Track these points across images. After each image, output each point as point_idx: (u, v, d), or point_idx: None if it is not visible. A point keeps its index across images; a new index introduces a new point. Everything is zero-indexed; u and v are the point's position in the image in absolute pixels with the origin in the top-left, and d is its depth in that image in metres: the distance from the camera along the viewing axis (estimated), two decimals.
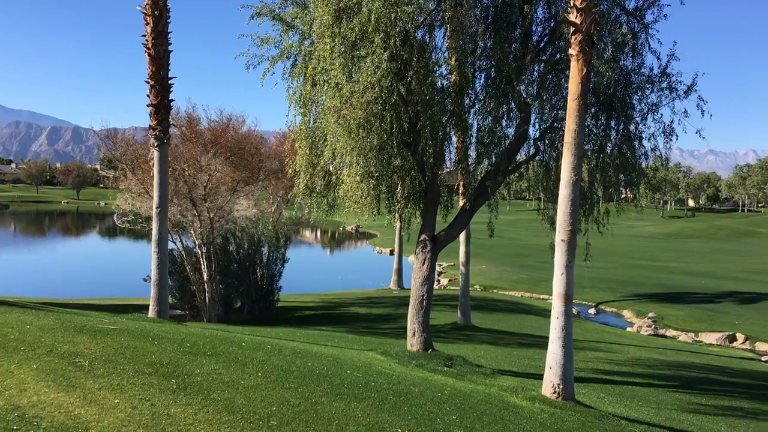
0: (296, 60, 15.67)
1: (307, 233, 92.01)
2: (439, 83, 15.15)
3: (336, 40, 13.02)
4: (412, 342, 15.50)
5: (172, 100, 19.81)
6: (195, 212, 25.75)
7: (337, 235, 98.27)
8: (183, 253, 27.12)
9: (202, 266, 26.43)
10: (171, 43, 19.47)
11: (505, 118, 15.31)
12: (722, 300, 38.02)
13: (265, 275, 30.01)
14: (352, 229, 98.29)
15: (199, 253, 26.66)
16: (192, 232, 26.50)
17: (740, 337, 29.44)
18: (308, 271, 53.07)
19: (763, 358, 26.09)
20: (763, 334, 29.28)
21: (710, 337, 29.68)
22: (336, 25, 13.07)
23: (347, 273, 53.62)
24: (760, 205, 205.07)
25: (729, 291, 41.40)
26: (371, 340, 19.11)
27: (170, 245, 24.60)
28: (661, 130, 14.86)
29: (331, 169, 15.38)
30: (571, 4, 10.87)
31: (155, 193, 19.40)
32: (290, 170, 16.10)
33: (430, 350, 15.27)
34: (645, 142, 15.24)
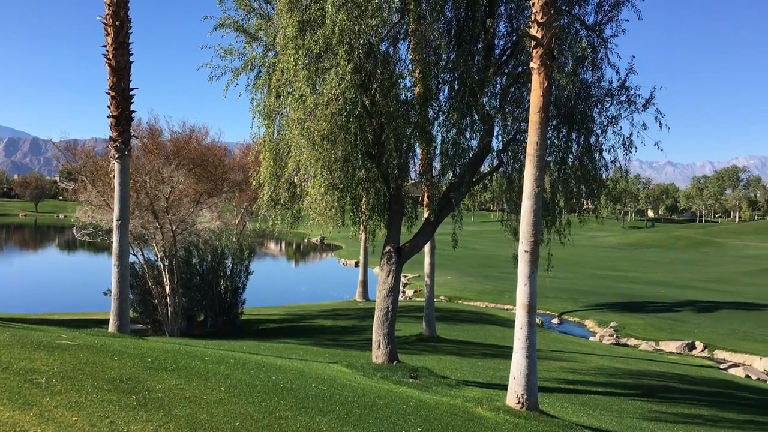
0: (260, 71, 15.64)
1: (272, 245, 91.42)
2: (403, 95, 15.24)
3: (300, 51, 13.02)
4: (378, 354, 15.46)
5: (134, 111, 19.54)
6: (157, 224, 25.37)
7: (302, 247, 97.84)
8: (145, 266, 26.69)
9: (165, 279, 26.03)
10: (132, 54, 19.22)
11: (468, 130, 15.43)
12: (681, 309, 38.79)
13: (228, 288, 29.67)
14: (317, 240, 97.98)
15: (162, 266, 26.26)
16: (154, 244, 26.10)
17: (699, 345, 30.05)
18: (273, 283, 52.69)
19: (721, 366, 26.64)
20: (721, 342, 29.94)
21: (670, 346, 30.24)
22: (300, 37, 13.07)
23: (312, 285, 53.39)
24: (716, 215, 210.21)
25: (688, 300, 42.27)
26: (336, 353, 19.01)
27: (131, 258, 24.20)
28: (620, 142, 15.14)
29: (295, 180, 15.31)
30: (533, 19, 11.02)
31: (116, 206, 19.08)
32: (254, 182, 16.01)
33: (395, 362, 15.24)
34: (605, 154, 15.54)
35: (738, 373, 25.26)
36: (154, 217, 25.36)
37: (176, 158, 27.51)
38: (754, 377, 24.79)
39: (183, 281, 27.12)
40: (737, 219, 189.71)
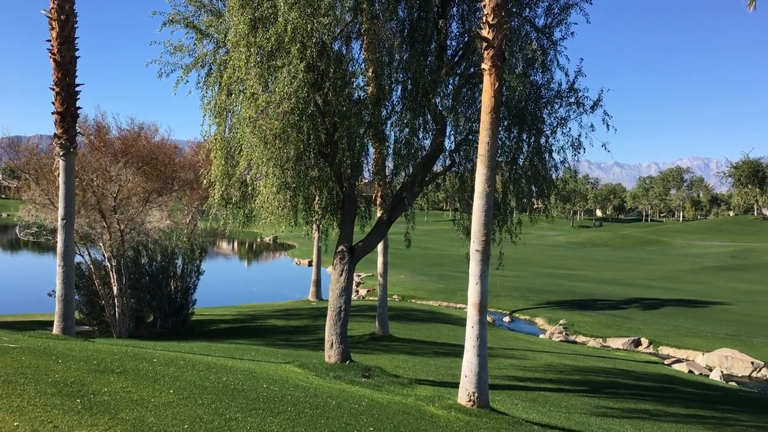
0: (211, 69, 15.43)
1: (224, 245, 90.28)
2: (357, 95, 15.22)
3: (252, 49, 12.89)
4: (330, 354, 15.42)
5: (80, 108, 19.04)
6: (104, 224, 24.81)
7: (254, 247, 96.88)
8: (91, 266, 26.06)
9: (112, 280, 25.46)
10: (78, 49, 18.73)
11: (421, 129, 15.50)
12: (628, 306, 39.77)
13: (179, 288, 29.20)
14: (269, 240, 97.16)
15: (109, 266, 25.69)
16: (101, 244, 25.52)
17: (645, 341, 30.86)
18: (225, 283, 52.05)
19: (665, 362, 27.42)
20: (666, 339, 30.80)
21: (617, 342, 30.96)
22: (252, 34, 12.93)
23: (265, 285, 52.91)
24: (661, 215, 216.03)
25: (634, 297, 43.34)
26: (289, 353, 18.89)
27: (77, 258, 23.62)
28: (569, 143, 15.47)
29: (247, 179, 15.14)
30: (484, 21, 11.15)
31: (60, 204, 18.58)
32: (205, 180, 15.79)
33: (347, 361, 15.22)
34: (555, 155, 15.84)
35: (682, 368, 26.01)
36: (101, 217, 24.80)
37: (124, 156, 26.90)
38: (696, 372, 25.57)
39: (131, 282, 26.57)
40: (681, 218, 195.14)
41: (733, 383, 24.23)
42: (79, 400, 7.14)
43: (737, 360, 26.37)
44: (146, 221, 26.86)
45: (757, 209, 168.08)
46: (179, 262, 29.93)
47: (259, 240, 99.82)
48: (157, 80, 16.03)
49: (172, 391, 8.22)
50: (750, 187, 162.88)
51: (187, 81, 15.53)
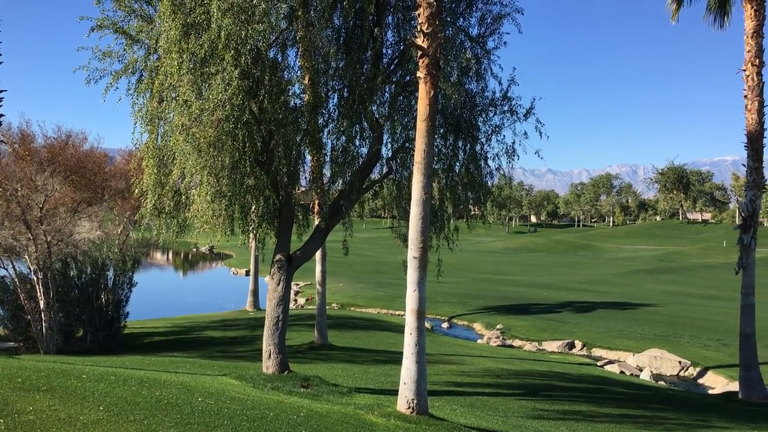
0: (142, 75, 15.05)
1: (158, 255, 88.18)
2: (293, 102, 15.09)
3: (184, 56, 12.63)
4: (268, 364, 15.21)
5: (2, 115, 18.37)
6: (30, 235, 23.84)
7: (190, 257, 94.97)
8: (16, 279, 24.97)
9: (39, 293, 24.46)
10: (0, 55, 18.06)
11: (358, 137, 15.51)
12: (562, 310, 40.71)
13: (110, 301, 28.23)
14: (206, 249, 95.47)
15: (35, 279, 24.67)
16: (27, 257, 24.51)
17: (578, 344, 31.63)
18: (159, 294, 50.78)
19: (598, 363, 28.14)
20: (598, 341, 31.66)
21: (552, 345, 31.63)
22: (184, 40, 12.67)
23: (201, 295, 51.89)
24: (593, 220, 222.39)
25: (567, 301, 44.41)
26: (225, 365, 18.54)
27: (1, 272, 22.65)
28: (504, 150, 15.77)
29: (180, 188, 14.84)
30: (419, 29, 11.25)
31: None
32: (137, 190, 15.39)
33: (286, 372, 15.04)
34: (490, 162, 16.11)
35: (614, 369, 26.75)
36: (26, 228, 23.82)
37: (51, 165, 25.98)
38: (628, 373, 26.35)
39: (59, 295, 25.58)
40: (611, 223, 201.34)
41: (662, 382, 25.08)
42: (2, 420, 6.82)
43: (666, 360, 27.31)
44: (75, 232, 25.96)
45: (682, 214, 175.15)
46: (110, 274, 28.98)
47: (194, 250, 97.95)
48: (85, 87, 15.57)
49: (101, 408, 7.94)
50: (675, 192, 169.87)
51: (117, 88, 15.12)
